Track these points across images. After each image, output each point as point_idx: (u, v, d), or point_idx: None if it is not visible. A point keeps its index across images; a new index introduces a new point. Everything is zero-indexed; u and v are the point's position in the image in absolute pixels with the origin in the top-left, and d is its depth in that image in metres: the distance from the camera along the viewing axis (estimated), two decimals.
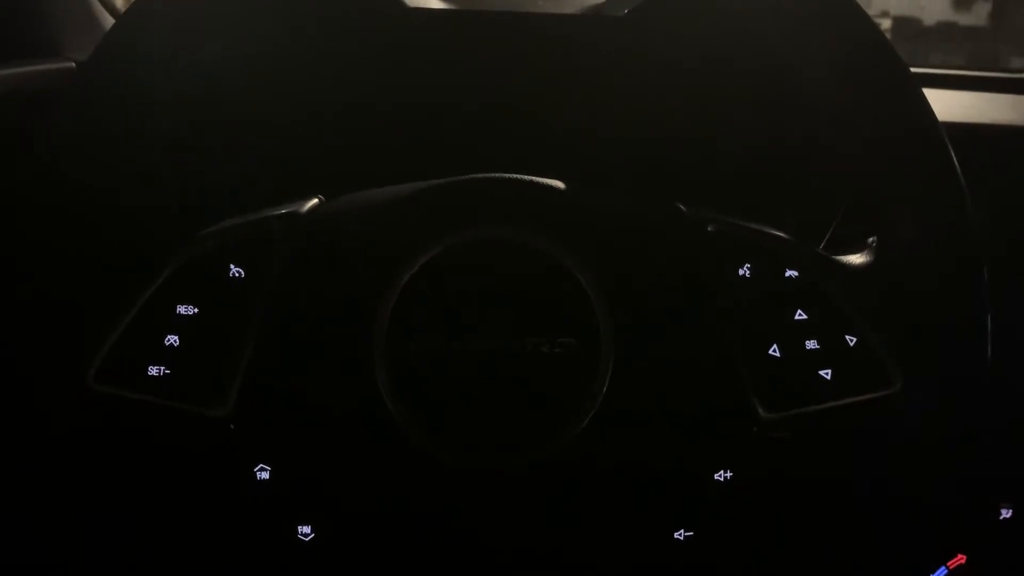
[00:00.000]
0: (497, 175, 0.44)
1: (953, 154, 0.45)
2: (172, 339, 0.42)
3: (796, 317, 0.43)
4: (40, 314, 0.42)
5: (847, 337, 0.43)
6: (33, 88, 0.62)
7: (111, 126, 0.45)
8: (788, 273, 0.44)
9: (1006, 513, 0.61)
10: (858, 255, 0.46)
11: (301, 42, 0.57)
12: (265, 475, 0.42)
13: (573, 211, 0.44)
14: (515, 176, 0.44)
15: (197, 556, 0.47)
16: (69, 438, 0.43)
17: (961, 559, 0.61)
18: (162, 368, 0.42)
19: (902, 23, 1.46)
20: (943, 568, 0.61)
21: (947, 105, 0.67)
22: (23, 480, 0.45)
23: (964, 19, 1.48)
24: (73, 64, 0.65)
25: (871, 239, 0.46)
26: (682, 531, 0.43)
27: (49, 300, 0.42)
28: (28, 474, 0.45)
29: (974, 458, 0.61)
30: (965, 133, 0.51)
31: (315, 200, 0.45)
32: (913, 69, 0.46)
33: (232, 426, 0.41)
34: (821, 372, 0.43)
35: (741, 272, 0.43)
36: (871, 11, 0.46)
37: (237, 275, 0.42)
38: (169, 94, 0.47)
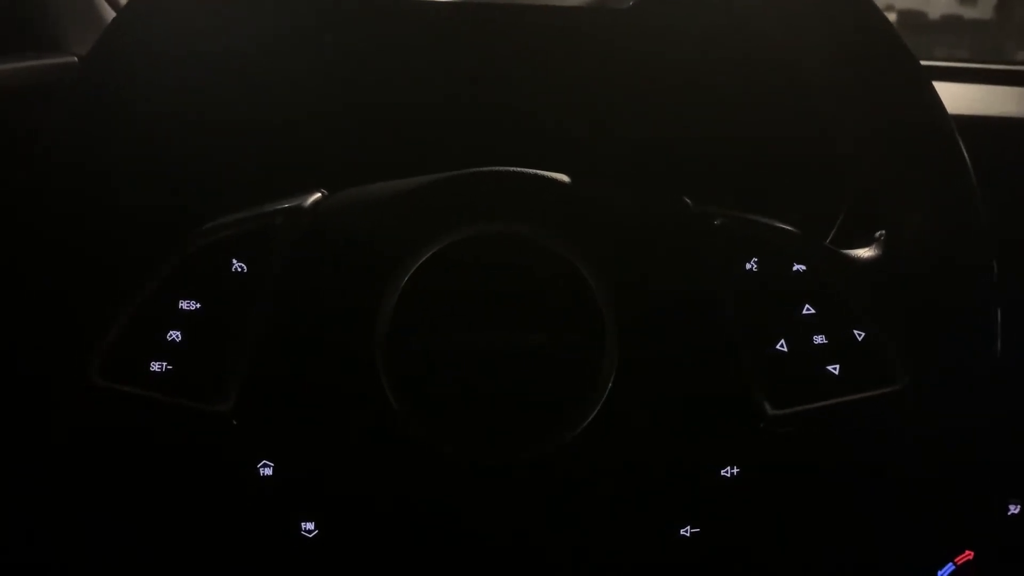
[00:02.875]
0: (501, 168, 0.44)
1: (963, 147, 0.45)
2: (174, 335, 0.42)
3: (804, 312, 0.43)
4: (43, 310, 0.42)
5: (855, 332, 0.43)
6: (35, 83, 0.62)
7: (112, 121, 0.44)
8: (796, 267, 0.43)
9: (1014, 509, 0.61)
10: (866, 249, 0.45)
11: (302, 36, 0.57)
12: (268, 471, 0.42)
13: (578, 206, 0.44)
14: (520, 170, 0.44)
15: (200, 553, 0.47)
16: (72, 435, 0.43)
17: (969, 555, 0.61)
18: (164, 364, 0.41)
19: (908, 16, 1.46)
20: (951, 564, 0.61)
21: (953, 98, 0.67)
22: (26, 478, 0.45)
23: (969, 12, 1.48)
24: (75, 59, 0.65)
25: (879, 233, 0.46)
26: (688, 527, 0.43)
27: (52, 296, 0.42)
28: (31, 472, 0.45)
29: (982, 454, 0.61)
30: (971, 126, 0.51)
31: (317, 194, 0.44)
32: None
33: (235, 422, 0.41)
34: (829, 367, 0.42)
35: (748, 266, 0.43)
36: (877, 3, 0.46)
37: (240, 270, 0.42)
38: (170, 88, 0.46)
